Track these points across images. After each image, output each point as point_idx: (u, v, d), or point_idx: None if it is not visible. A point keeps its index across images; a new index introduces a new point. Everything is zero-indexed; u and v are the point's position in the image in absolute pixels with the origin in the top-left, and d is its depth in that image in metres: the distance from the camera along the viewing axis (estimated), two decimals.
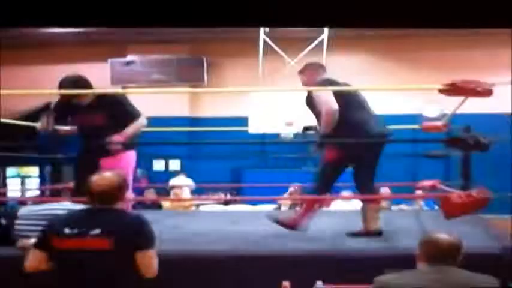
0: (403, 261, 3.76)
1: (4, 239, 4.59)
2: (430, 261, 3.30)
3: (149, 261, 3.38)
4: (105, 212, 3.43)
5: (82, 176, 5.09)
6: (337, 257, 4.15)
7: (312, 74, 5.65)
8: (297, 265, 4.05)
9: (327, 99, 5.22)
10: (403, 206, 9.29)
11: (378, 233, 5.14)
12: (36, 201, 5.24)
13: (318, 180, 5.43)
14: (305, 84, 5.60)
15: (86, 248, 3.29)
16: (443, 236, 3.36)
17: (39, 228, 4.51)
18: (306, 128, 6.57)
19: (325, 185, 5.42)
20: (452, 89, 4.69)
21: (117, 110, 5.27)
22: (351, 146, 5.28)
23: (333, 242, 4.88)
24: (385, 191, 8.96)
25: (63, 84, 5.26)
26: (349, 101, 5.35)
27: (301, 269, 3.98)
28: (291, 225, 5.34)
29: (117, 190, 3.50)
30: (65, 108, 5.47)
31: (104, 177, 3.53)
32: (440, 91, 4.75)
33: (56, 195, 7.72)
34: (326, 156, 5.39)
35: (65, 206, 4.78)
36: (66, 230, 3.35)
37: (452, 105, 5.84)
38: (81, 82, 5.33)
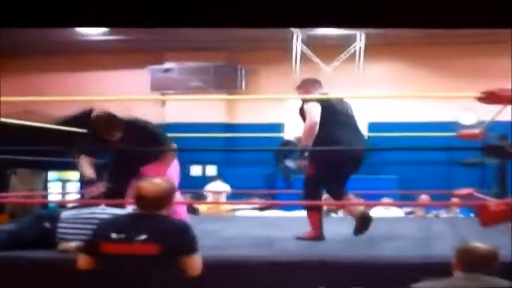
0: (439, 269, 3.78)
1: (47, 242, 4.66)
2: (466, 269, 3.33)
3: (195, 264, 3.46)
4: (151, 218, 3.47)
5: (118, 182, 5.34)
6: (372, 264, 4.16)
7: (308, 88, 5.71)
8: (332, 271, 4.07)
9: (311, 112, 5.31)
10: (441, 213, 9.25)
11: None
12: (79, 204, 5.32)
13: (304, 197, 5.55)
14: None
15: (132, 253, 3.34)
16: (479, 244, 3.39)
17: (81, 231, 4.67)
18: (285, 143, 6.59)
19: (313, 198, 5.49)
20: (490, 97, 4.68)
21: (149, 141, 5.35)
22: (323, 163, 5.38)
23: (369, 248, 4.89)
24: (424, 198, 8.97)
25: (96, 123, 5.33)
26: (334, 118, 5.39)
27: (337, 276, 4.01)
28: (313, 238, 5.39)
29: (166, 196, 3.55)
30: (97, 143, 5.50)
31: (154, 183, 3.56)
32: (478, 99, 4.74)
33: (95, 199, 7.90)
34: (307, 171, 5.50)
35: (106, 210, 4.89)
36: (113, 235, 3.41)
37: (486, 112, 5.83)
38: (114, 119, 5.37)
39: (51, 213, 5.07)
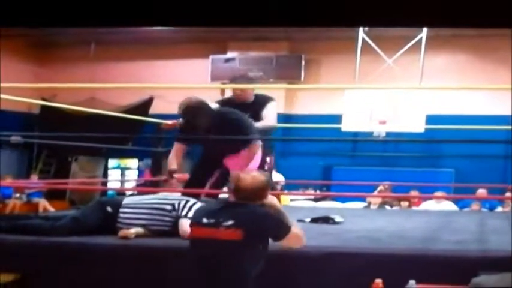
0: (497, 263, 3.81)
1: (109, 227, 4.78)
2: None
3: (292, 242, 3.82)
4: (241, 206, 3.70)
5: (200, 172, 5.55)
6: (430, 257, 4.19)
7: None
8: (390, 264, 4.11)
9: None
10: (499, 208, 9.18)
11: None
12: (139, 191, 5.47)
13: None
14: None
15: (218, 237, 3.58)
16: None
17: (142, 216, 4.82)
18: None
19: None
20: None
21: (236, 133, 5.44)
22: None
23: (426, 241, 4.91)
24: (481, 192, 8.92)
25: (187, 112, 5.45)
26: None
27: (394, 268, 4.04)
28: None
29: (262, 189, 3.79)
30: (188, 132, 5.66)
31: (253, 176, 3.82)
32: None
33: (155, 186, 8.10)
34: None
35: (166, 196, 5.03)
36: (204, 220, 3.68)
37: None
38: (205, 107, 5.48)
39: (113, 199, 5.20)
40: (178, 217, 4.75)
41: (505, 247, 4.31)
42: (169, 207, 4.80)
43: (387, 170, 11.52)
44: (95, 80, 12.08)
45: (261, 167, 5.51)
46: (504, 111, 11.37)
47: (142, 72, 13.28)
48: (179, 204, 4.80)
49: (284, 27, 11.83)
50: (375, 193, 8.96)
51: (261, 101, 5.90)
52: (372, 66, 11.63)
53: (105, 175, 13.35)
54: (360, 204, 9.17)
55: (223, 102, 6.04)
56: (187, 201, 4.83)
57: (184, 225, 4.69)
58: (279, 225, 3.75)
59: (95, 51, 13.61)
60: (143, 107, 12.85)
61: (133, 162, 13.45)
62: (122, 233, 4.71)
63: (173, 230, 4.75)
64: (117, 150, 11.69)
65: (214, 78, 13.16)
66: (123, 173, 13.74)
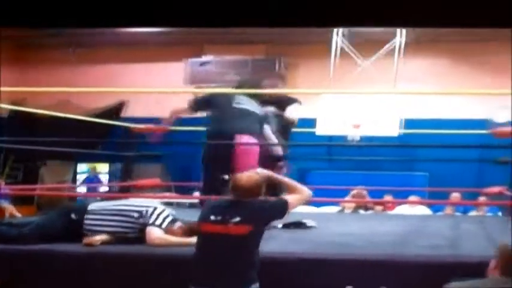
0: (469, 269, 3.74)
1: (74, 234, 4.68)
2: (505, 273, 3.21)
3: (296, 203, 4.27)
4: (244, 203, 4.00)
5: (214, 174, 5.48)
6: (401, 263, 4.11)
7: None
8: (361, 270, 4.04)
9: None
10: (473, 212, 9.16)
11: None
12: (106, 197, 5.36)
13: None
14: None
15: (228, 232, 3.88)
16: None
17: (108, 223, 4.72)
18: None
19: None
20: None
21: None
22: None
23: (398, 246, 4.84)
24: (455, 196, 8.90)
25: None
26: None
27: (365, 275, 3.97)
28: None
29: (256, 187, 4.08)
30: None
31: (247, 175, 4.13)
32: None
33: (125, 191, 7.97)
34: None
35: (133, 202, 4.91)
36: (212, 217, 3.96)
37: None
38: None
39: (78, 206, 5.13)
40: (145, 224, 4.66)
41: (478, 252, 4.27)
42: (136, 214, 4.72)
43: (363, 174, 11.45)
44: (71, 83, 11.90)
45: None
46: (479, 115, 11.42)
47: (118, 75, 13.14)
48: (147, 211, 4.71)
49: (261, 29, 11.81)
50: (348, 198, 8.91)
51: (288, 100, 6.36)
52: (348, 69, 11.58)
53: (74, 180, 13.15)
54: (334, 209, 9.09)
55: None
56: (155, 208, 4.74)
57: (152, 232, 4.62)
58: (278, 209, 4.13)
59: (73, 54, 13.45)
60: (114, 110, 12.69)
61: (103, 167, 13.24)
62: (86, 240, 4.63)
63: (140, 237, 4.67)
64: (88, 154, 11.52)
65: (190, 81, 13.01)
66: (99, 179, 13.49)
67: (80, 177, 13.37)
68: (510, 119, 10.44)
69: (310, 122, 10.47)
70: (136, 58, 13.60)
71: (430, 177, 11.72)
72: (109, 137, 11.50)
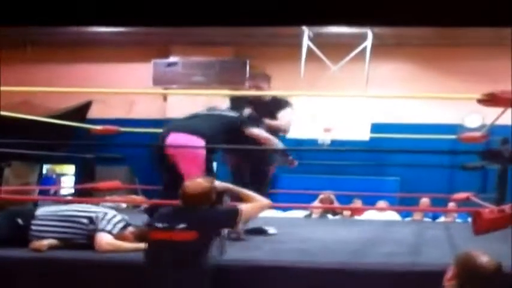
0: (426, 277, 3.63)
1: (20, 239, 4.51)
2: (463, 283, 3.06)
3: (250, 215, 4.29)
4: (191, 210, 3.97)
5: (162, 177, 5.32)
6: (354, 271, 3.97)
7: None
8: (314, 278, 3.91)
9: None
10: (442, 218, 9.07)
11: None
12: (57, 201, 5.17)
13: None
14: None
15: (175, 239, 3.84)
16: (482, 257, 3.04)
17: (56, 229, 4.54)
18: None
19: None
20: (491, 100, 4.48)
21: None
22: None
23: (356, 253, 4.71)
24: (424, 201, 8.82)
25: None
26: None
27: (318, 283, 3.84)
28: None
29: (205, 194, 4.04)
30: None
31: (196, 182, 4.09)
32: (479, 101, 4.54)
33: (84, 194, 7.78)
34: None
35: (83, 207, 4.74)
36: (159, 224, 3.95)
37: (493, 115, 5.64)
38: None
39: (25, 210, 4.93)
40: (95, 230, 4.50)
41: (438, 260, 4.15)
42: (85, 221, 4.58)
43: (333, 178, 11.35)
44: (30, 83, 11.63)
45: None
46: (449, 119, 11.37)
47: (80, 75, 12.84)
48: (97, 217, 4.56)
49: (230, 31, 11.69)
50: (316, 202, 8.79)
51: (278, 103, 5.91)
52: (317, 73, 11.45)
53: (40, 181, 12.89)
54: (302, 213, 8.96)
55: (239, 101, 5.90)
56: (105, 214, 4.59)
57: (101, 238, 4.48)
58: (228, 216, 4.10)
59: (31, 53, 13.18)
60: (80, 111, 12.43)
61: (69, 169, 13.01)
62: (33, 245, 4.45)
63: (90, 243, 4.51)
64: (53, 156, 11.28)
65: (157, 82, 12.80)
66: (58, 180, 13.29)
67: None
68: (481, 124, 10.48)
69: None
70: (99, 58, 13.30)
71: (401, 182, 11.65)
72: (73, 139, 11.28)
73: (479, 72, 11.65)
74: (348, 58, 11.41)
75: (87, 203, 5.16)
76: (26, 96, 12.05)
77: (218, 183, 4.33)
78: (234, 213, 4.09)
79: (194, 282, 3.79)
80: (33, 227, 4.57)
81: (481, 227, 4.37)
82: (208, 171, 5.03)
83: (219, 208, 4.19)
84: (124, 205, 8.82)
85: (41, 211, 4.70)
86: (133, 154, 11.21)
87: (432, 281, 3.37)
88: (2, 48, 13.02)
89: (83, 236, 4.55)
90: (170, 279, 3.80)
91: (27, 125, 8.97)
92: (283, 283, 3.93)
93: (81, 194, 8.26)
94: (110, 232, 4.50)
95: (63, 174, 13.21)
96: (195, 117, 5.45)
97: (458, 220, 8.80)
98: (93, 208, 4.73)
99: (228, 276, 4.02)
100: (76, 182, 11.86)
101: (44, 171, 13.16)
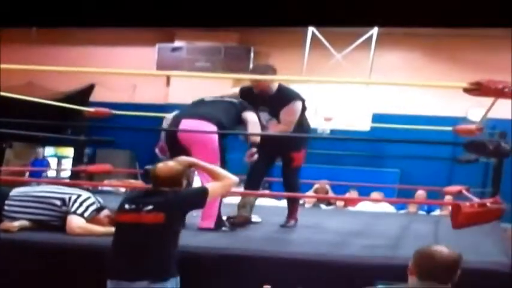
0: (398, 271, 3.53)
1: None
2: (422, 276, 3.00)
3: (218, 192, 4.24)
4: (157, 193, 3.89)
5: None
6: (325, 263, 3.88)
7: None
8: (280, 269, 3.82)
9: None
10: (437, 211, 8.96)
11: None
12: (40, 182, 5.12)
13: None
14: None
15: (141, 221, 3.76)
16: (440, 249, 3.04)
17: (29, 210, 4.47)
18: None
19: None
20: (478, 89, 4.35)
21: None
22: None
23: (334, 245, 4.61)
24: (420, 194, 8.71)
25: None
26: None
27: (283, 274, 3.75)
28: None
29: (176, 177, 3.96)
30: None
31: (168, 165, 4.03)
32: (465, 90, 4.42)
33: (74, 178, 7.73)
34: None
35: (57, 189, 4.68)
36: (126, 206, 3.86)
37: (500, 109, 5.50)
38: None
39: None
40: (67, 212, 4.43)
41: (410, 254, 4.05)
42: (58, 202, 4.51)
43: (332, 168, 11.27)
44: (34, 64, 11.61)
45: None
46: (453, 112, 11.22)
47: (84, 57, 12.84)
48: (70, 198, 4.50)
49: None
50: (310, 192, 8.70)
51: (284, 98, 5.44)
52: (321, 61, 11.34)
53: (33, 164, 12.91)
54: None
55: (244, 92, 5.61)
56: (78, 196, 4.54)
57: (72, 221, 4.42)
58: (195, 197, 4.01)
59: (37, 34, 13.13)
60: (83, 94, 12.42)
61: (70, 151, 13.01)
62: (3, 225, 4.41)
63: (62, 224, 4.46)
64: (55, 138, 11.28)
65: (160, 67, 12.79)
66: (59, 162, 13.31)
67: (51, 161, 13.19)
68: (481, 119, 10.32)
69: None
70: (103, 41, 13.28)
71: (401, 175, 11.54)
72: (77, 121, 11.27)
73: (487, 63, 11.46)
74: (352, 46, 11.29)
75: (80, 185, 5.13)
76: (29, 77, 12.06)
77: (183, 158, 4.24)
78: (203, 193, 4.00)
79: (161, 265, 3.71)
80: (6, 207, 4.51)
81: (459, 220, 4.27)
82: (221, 157, 5.07)
83: (186, 189, 4.09)
84: (123, 189, 8.75)
85: (14, 191, 4.63)
86: (135, 139, 11.23)
87: (406, 275, 3.28)
88: (6, 27, 13.04)
89: (55, 218, 4.49)
90: (136, 262, 3.72)
91: (30, 106, 8.98)
92: (249, 273, 3.83)
93: (76, 176, 8.22)
94: (81, 215, 4.43)
95: (64, 157, 13.16)
96: (203, 103, 5.39)
97: None
98: (67, 190, 4.66)
99: (195, 263, 3.93)
100: (73, 165, 11.83)
101: (46, 153, 13.15)
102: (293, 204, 5.73)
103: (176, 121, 5.17)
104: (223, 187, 4.18)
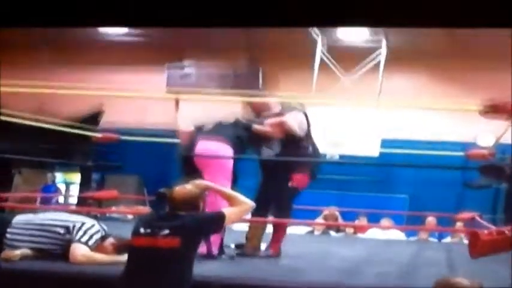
0: None
1: None
2: None
3: (235, 217, 4.09)
4: (174, 216, 3.78)
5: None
6: None
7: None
8: None
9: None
10: (448, 238, 8.80)
11: None
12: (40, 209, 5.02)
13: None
14: None
15: (157, 245, 3.65)
16: (460, 281, 2.91)
17: (32, 238, 4.36)
18: None
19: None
20: (493, 111, 4.26)
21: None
22: None
23: (347, 273, 4.50)
24: (430, 220, 8.58)
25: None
26: None
27: None
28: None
29: (193, 200, 3.87)
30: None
31: (185, 188, 3.91)
32: (480, 112, 4.33)
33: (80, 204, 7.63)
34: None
35: (60, 216, 4.58)
36: (141, 230, 3.73)
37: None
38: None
39: (1, 218, 4.75)
40: (71, 240, 4.32)
41: (429, 283, 3.92)
42: (62, 230, 4.41)
43: (341, 194, 11.13)
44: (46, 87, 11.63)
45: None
46: (461, 137, 11.11)
47: (94, 79, 12.80)
48: (74, 226, 4.39)
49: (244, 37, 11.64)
50: (319, 218, 8.57)
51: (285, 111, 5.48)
52: (329, 83, 11.28)
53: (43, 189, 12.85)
54: (304, 229, 8.72)
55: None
56: (83, 224, 4.43)
57: (75, 250, 4.31)
58: (212, 221, 3.92)
59: (47, 54, 13.14)
60: (93, 119, 12.36)
61: (78, 177, 12.95)
62: (4, 254, 4.29)
63: (65, 253, 4.34)
64: (62, 163, 11.24)
65: (170, 89, 12.76)
66: (68, 188, 13.22)
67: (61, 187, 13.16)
68: (493, 143, 10.22)
69: None
70: (113, 63, 13.30)
71: (410, 200, 11.40)
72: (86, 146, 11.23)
73: (496, 84, 11.30)
74: (361, 70, 11.23)
75: (89, 212, 5.04)
76: (40, 102, 12.05)
77: (199, 182, 4.13)
78: (220, 218, 3.91)
79: None
80: (8, 235, 4.40)
81: (477, 249, 4.13)
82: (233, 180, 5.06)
83: (203, 213, 3.98)
84: (130, 216, 8.66)
85: (16, 219, 4.53)
86: (143, 164, 11.16)
87: None
88: (18, 48, 13.09)
89: (58, 247, 4.38)
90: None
91: (39, 131, 8.96)
92: None
93: (83, 202, 8.12)
94: (85, 243, 4.32)
95: (72, 183, 13.13)
96: (220, 124, 5.40)
97: (466, 241, 8.51)
98: (71, 217, 4.56)
99: None
100: (80, 191, 11.76)
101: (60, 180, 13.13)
102: (278, 232, 5.47)
103: (193, 140, 5.16)
104: (240, 212, 4.06)
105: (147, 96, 13.08)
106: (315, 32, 10.98)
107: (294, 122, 5.31)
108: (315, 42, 11.20)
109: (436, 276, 4.11)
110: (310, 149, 5.54)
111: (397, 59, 11.44)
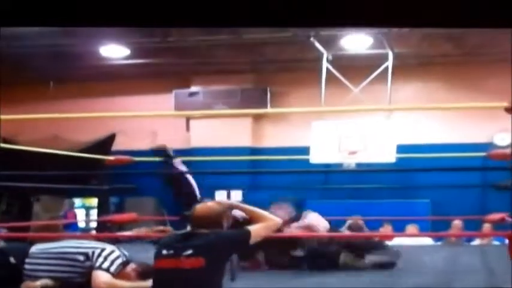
0: None
1: (13, 279, 4.26)
2: None
3: (262, 233, 3.88)
4: (196, 235, 3.72)
5: None
6: None
7: None
8: None
9: None
10: (477, 241, 8.67)
11: None
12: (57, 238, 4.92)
13: None
14: None
15: (181, 266, 3.59)
16: None
17: (51, 268, 4.27)
18: None
19: None
20: None
21: None
22: None
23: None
24: (457, 223, 8.46)
25: None
26: None
27: None
28: None
29: (216, 218, 3.81)
30: None
31: (207, 206, 3.89)
32: (507, 110, 4.28)
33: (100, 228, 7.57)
34: None
35: (79, 244, 4.48)
36: (164, 251, 3.69)
37: None
38: None
39: (17, 248, 4.66)
40: (92, 267, 4.22)
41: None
42: (81, 258, 4.34)
43: (361, 203, 11.02)
44: (55, 119, 11.63)
45: None
46: (477, 139, 10.99)
47: (103, 109, 12.81)
48: (93, 253, 4.30)
49: (249, 58, 11.60)
50: (344, 228, 8.42)
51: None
52: (338, 96, 11.18)
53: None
54: None
55: None
56: (102, 250, 4.33)
57: (97, 277, 4.22)
58: (237, 240, 3.82)
59: (54, 89, 13.18)
60: (105, 143, 12.39)
61: (93, 201, 12.92)
62: (25, 285, 4.20)
63: (86, 281, 4.24)
64: (80, 189, 11.22)
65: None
66: (88, 213, 13.18)
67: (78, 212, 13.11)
68: (510, 142, 10.11)
69: (304, 150, 10.07)
70: (121, 91, 13.38)
71: (432, 204, 11.27)
72: (100, 171, 11.23)
73: (505, 89, 11.17)
74: (369, 79, 11.16)
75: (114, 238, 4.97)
76: (54, 131, 12.10)
77: (223, 200, 4.07)
78: (244, 235, 3.80)
79: None
80: (27, 266, 4.33)
81: None
82: None
83: (227, 231, 3.88)
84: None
85: (34, 248, 4.46)
86: (159, 185, 11.09)
87: None
88: (26, 84, 13.16)
89: (79, 275, 4.31)
90: None
91: (54, 159, 8.97)
92: None
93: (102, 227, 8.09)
94: (107, 270, 4.23)
95: (92, 207, 13.10)
96: None
97: (495, 242, 8.36)
98: (90, 244, 4.48)
99: None
100: (98, 215, 11.73)
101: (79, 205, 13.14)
102: None
103: None
104: (266, 228, 3.94)
105: (157, 114, 13.13)
106: (319, 48, 10.88)
107: None
108: (320, 56, 11.13)
109: (478, 283, 4.01)
110: None
111: (404, 67, 11.38)
